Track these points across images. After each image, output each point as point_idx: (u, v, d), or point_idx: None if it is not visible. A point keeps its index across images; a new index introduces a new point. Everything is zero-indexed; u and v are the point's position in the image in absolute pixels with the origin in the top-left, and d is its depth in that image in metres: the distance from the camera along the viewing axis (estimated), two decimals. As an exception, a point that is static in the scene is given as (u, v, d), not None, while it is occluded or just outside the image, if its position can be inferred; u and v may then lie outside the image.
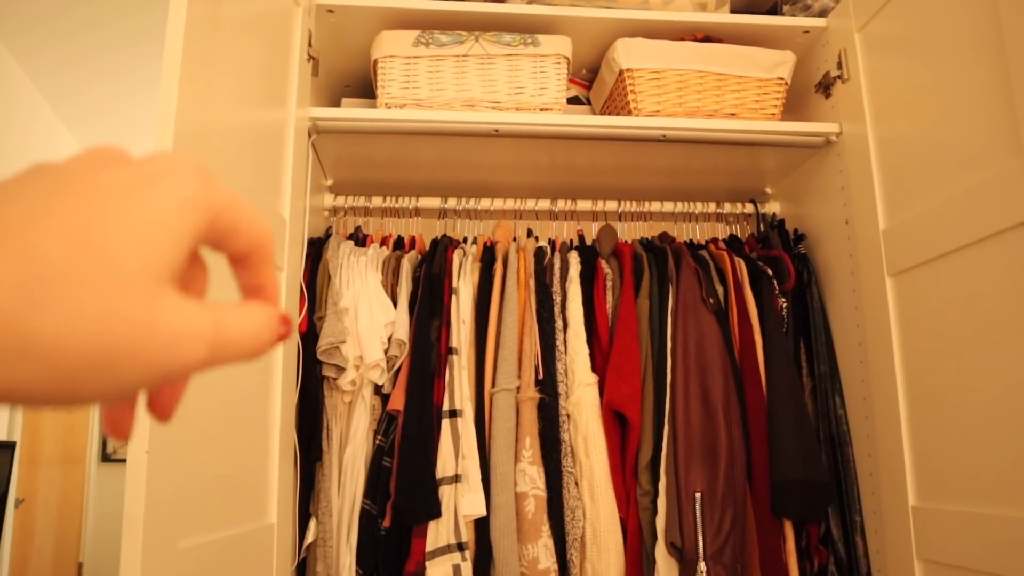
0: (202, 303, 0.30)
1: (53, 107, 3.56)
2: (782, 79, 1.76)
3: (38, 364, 0.25)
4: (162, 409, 0.35)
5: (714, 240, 1.92)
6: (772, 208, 2.07)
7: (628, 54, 1.70)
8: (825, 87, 1.76)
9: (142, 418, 0.89)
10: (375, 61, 1.68)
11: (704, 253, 1.78)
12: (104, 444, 4.66)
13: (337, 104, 1.91)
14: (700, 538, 1.46)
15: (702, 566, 1.44)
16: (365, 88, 1.92)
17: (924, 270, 1.40)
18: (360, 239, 1.83)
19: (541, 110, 1.69)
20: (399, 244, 1.86)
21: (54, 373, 0.25)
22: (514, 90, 1.68)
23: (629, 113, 1.71)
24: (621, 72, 1.72)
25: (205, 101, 1.09)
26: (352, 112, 1.67)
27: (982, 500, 1.25)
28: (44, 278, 0.25)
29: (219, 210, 0.31)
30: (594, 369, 1.61)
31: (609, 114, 1.82)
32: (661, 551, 1.49)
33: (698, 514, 1.47)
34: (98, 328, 0.26)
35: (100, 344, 0.26)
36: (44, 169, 0.29)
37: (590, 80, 1.99)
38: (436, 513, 1.48)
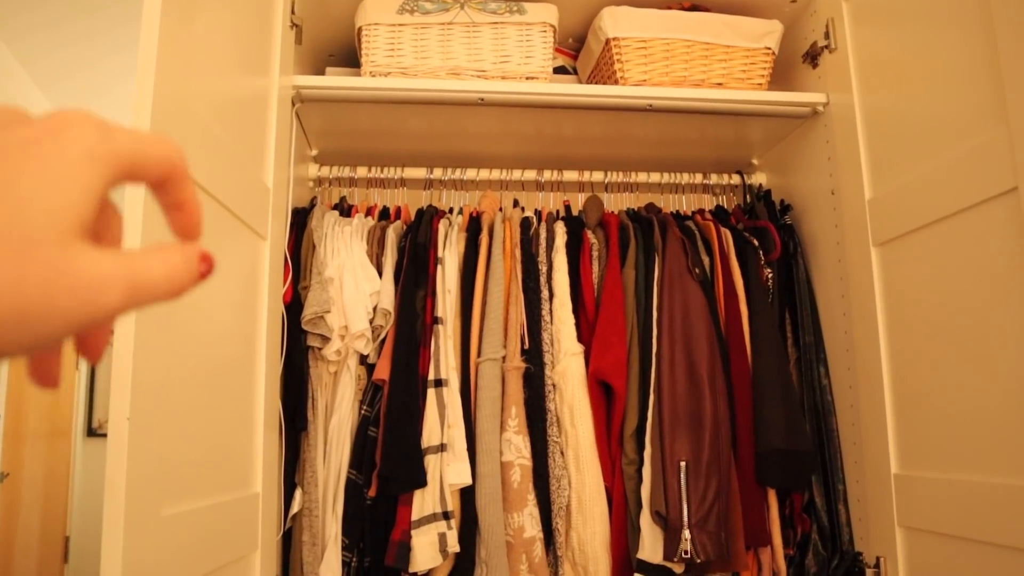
0: (114, 252, 0.30)
1: (25, 68, 3.52)
2: (769, 49, 1.75)
3: None
4: (92, 350, 0.36)
5: (700, 211, 1.92)
6: (759, 179, 2.06)
7: (615, 23, 1.68)
8: (812, 57, 1.75)
9: (122, 384, 0.87)
10: (359, 29, 1.66)
11: (690, 224, 1.78)
12: (90, 418, 4.64)
13: (321, 73, 1.88)
14: (685, 506, 1.47)
15: (686, 534, 1.45)
16: (350, 58, 1.90)
17: (909, 240, 1.40)
18: (345, 209, 1.82)
19: (527, 79, 1.67)
20: (384, 214, 1.84)
21: None
22: (500, 59, 1.67)
23: (616, 82, 1.70)
24: (608, 41, 1.70)
25: (185, 67, 1.07)
26: (336, 80, 1.65)
27: (962, 467, 1.27)
28: None
29: (123, 155, 0.32)
30: (580, 339, 1.62)
31: (596, 84, 1.81)
32: (646, 519, 1.50)
33: (683, 483, 1.48)
34: (9, 288, 0.27)
35: (13, 303, 0.27)
36: None
37: (577, 49, 1.97)
38: (422, 482, 1.48)
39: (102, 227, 0.34)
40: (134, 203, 0.94)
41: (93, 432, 4.63)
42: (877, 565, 1.49)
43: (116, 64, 3.46)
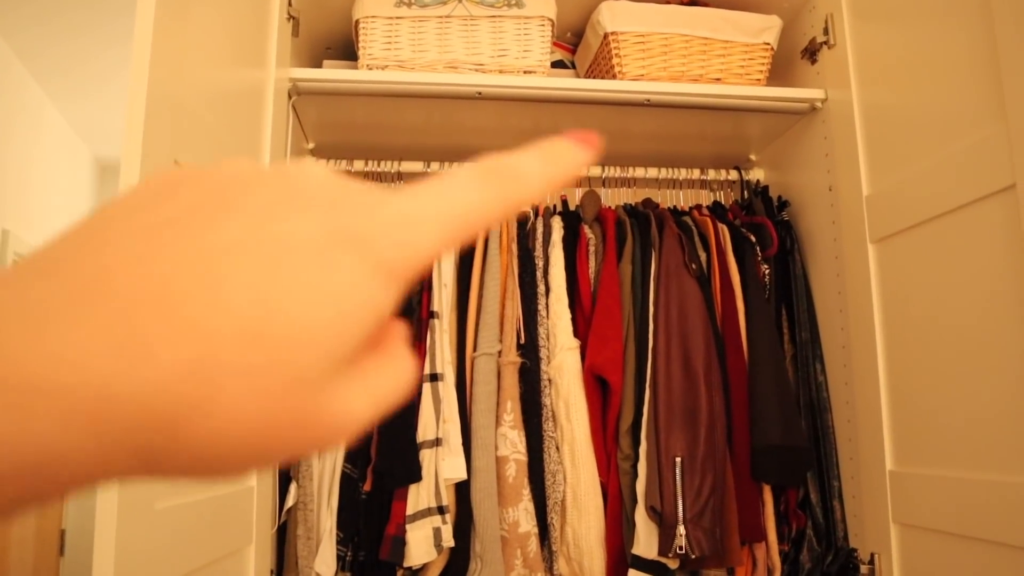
0: (363, 383, 0.25)
1: (23, 62, 3.51)
2: (768, 44, 1.74)
3: (182, 457, 0.22)
4: None
5: (698, 206, 1.91)
6: (756, 175, 2.06)
7: (613, 17, 1.68)
8: (811, 53, 1.75)
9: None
10: (356, 21, 1.65)
11: (687, 219, 1.78)
12: (86, 412, 4.64)
13: (318, 66, 1.88)
14: (680, 502, 1.47)
15: (681, 530, 1.45)
16: (347, 51, 1.89)
17: (906, 236, 1.40)
18: (341, 203, 1.81)
19: (525, 73, 1.67)
20: (381, 208, 1.84)
21: (197, 463, 0.22)
22: (497, 52, 1.66)
23: (614, 77, 1.70)
24: (606, 35, 1.70)
25: (180, 59, 1.07)
26: (333, 73, 1.64)
27: (958, 464, 1.27)
28: (214, 368, 0.21)
29: (426, 262, 0.25)
30: (576, 334, 1.61)
31: (594, 78, 1.80)
32: (641, 515, 1.50)
33: (678, 478, 1.48)
34: (255, 430, 0.22)
35: (252, 442, 0.22)
36: (196, 210, 0.23)
37: (575, 44, 1.97)
38: (417, 477, 1.48)
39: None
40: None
41: (89, 425, 4.63)
42: (872, 561, 1.49)
43: (114, 58, 3.46)
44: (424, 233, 0.25)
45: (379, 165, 1.92)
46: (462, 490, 1.53)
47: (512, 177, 0.28)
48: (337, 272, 0.23)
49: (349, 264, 0.23)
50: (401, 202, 0.25)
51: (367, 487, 1.51)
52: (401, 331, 0.28)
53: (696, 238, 1.72)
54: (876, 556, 1.48)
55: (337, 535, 1.50)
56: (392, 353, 0.27)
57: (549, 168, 0.29)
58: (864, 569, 1.51)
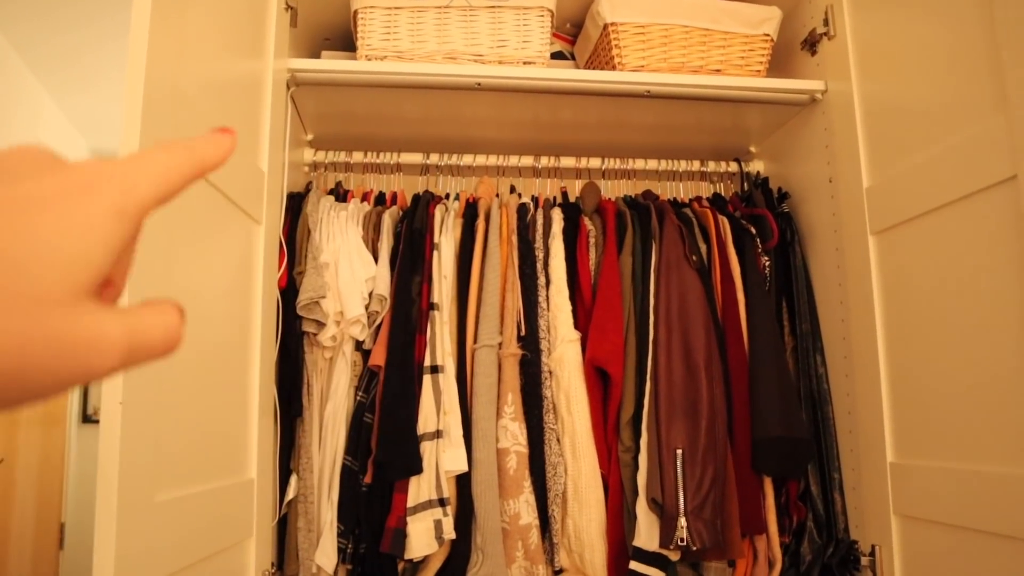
0: (116, 312, 0.30)
1: (21, 55, 3.50)
2: (768, 35, 1.73)
3: None
4: None
5: (698, 198, 1.91)
6: (756, 167, 2.06)
7: (612, 8, 1.67)
8: (811, 44, 1.74)
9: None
10: (355, 12, 1.64)
11: (687, 211, 1.77)
12: (84, 405, 4.63)
13: (317, 57, 1.87)
14: (681, 494, 1.46)
15: (682, 521, 1.45)
16: (346, 42, 1.88)
17: (907, 228, 1.40)
18: (341, 194, 1.81)
19: (524, 63, 1.66)
20: (380, 200, 1.83)
21: None
22: (497, 43, 1.65)
23: (613, 68, 1.69)
24: (606, 26, 1.69)
25: (178, 49, 1.06)
26: (331, 64, 1.64)
27: (958, 456, 1.26)
28: None
29: (148, 203, 0.32)
30: (577, 326, 1.61)
31: (593, 69, 1.80)
32: (642, 507, 1.50)
33: (679, 470, 1.48)
34: (10, 347, 0.26)
35: (9, 363, 0.26)
36: None
37: (574, 35, 1.96)
38: (417, 469, 1.48)
39: (113, 270, 0.33)
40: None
41: (88, 419, 4.62)
42: (872, 553, 1.49)
43: (112, 51, 3.44)
44: (142, 183, 0.31)
45: (378, 156, 1.92)
46: (463, 482, 1.53)
47: (188, 149, 0.34)
48: (75, 213, 0.28)
49: (84, 206, 0.29)
50: (120, 162, 0.31)
51: (368, 479, 1.51)
52: (130, 261, 0.35)
53: (696, 230, 1.72)
54: (877, 548, 1.48)
55: (338, 527, 1.49)
56: (158, 304, 0.32)
57: (210, 148, 0.35)
58: (865, 561, 1.51)
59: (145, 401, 0.95)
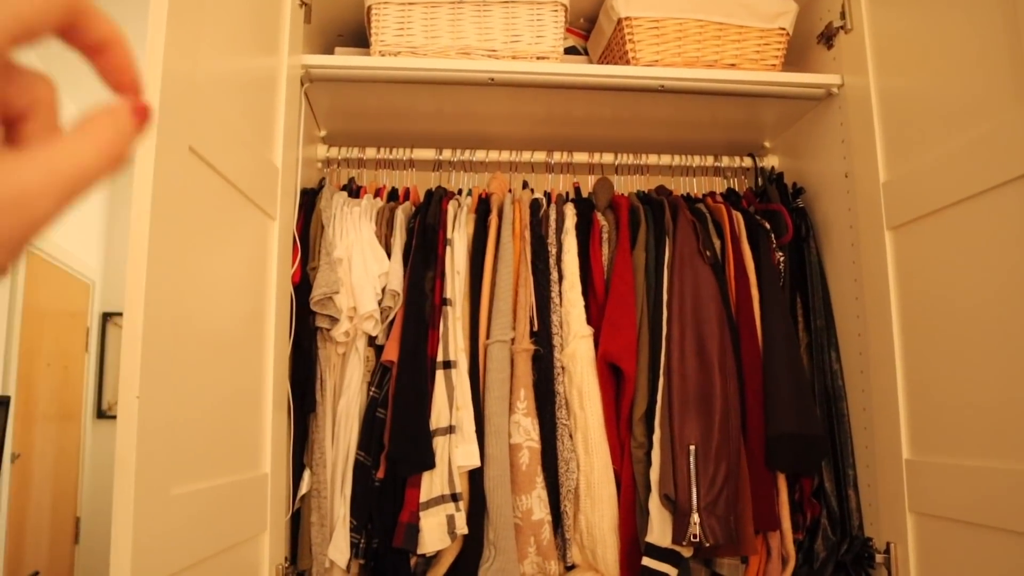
0: (35, 153, 0.28)
1: (35, 52, 3.53)
2: (783, 29, 1.72)
3: None
4: None
5: (711, 194, 1.90)
6: (771, 162, 2.04)
7: (627, 2, 1.67)
8: (827, 38, 1.73)
9: (131, 363, 0.87)
10: (368, 7, 1.64)
11: (701, 206, 1.76)
12: (99, 401, 4.66)
13: (330, 53, 1.87)
14: (694, 490, 1.46)
15: (695, 518, 1.44)
16: (359, 38, 1.88)
17: (924, 223, 1.38)
18: (354, 190, 1.81)
19: (538, 59, 1.66)
20: (393, 196, 1.83)
21: None
22: (510, 38, 1.65)
23: (627, 63, 1.68)
24: (620, 21, 1.68)
25: (194, 45, 1.06)
26: (345, 59, 1.64)
27: (975, 453, 1.25)
28: None
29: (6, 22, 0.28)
30: (589, 321, 1.61)
31: (607, 64, 1.79)
32: (655, 503, 1.50)
33: (692, 466, 1.47)
34: None
35: None
36: None
37: (588, 30, 1.95)
38: (430, 464, 1.48)
39: (26, 104, 0.31)
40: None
41: (103, 414, 4.65)
42: (887, 551, 1.48)
43: (132, 42, 3.47)
44: None
45: (391, 152, 1.92)
46: (475, 477, 1.53)
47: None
48: None
49: None
50: None
51: (380, 474, 1.51)
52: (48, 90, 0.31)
53: (710, 225, 1.71)
54: (892, 545, 1.47)
55: (351, 522, 1.50)
56: (95, 118, 0.30)
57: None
58: (879, 558, 1.51)
59: (161, 395, 0.95)
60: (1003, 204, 1.19)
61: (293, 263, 1.54)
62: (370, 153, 1.92)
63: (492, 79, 1.63)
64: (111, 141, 0.30)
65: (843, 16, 1.65)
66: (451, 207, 1.69)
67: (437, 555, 1.50)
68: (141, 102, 0.32)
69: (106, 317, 4.75)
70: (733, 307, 1.64)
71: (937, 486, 1.34)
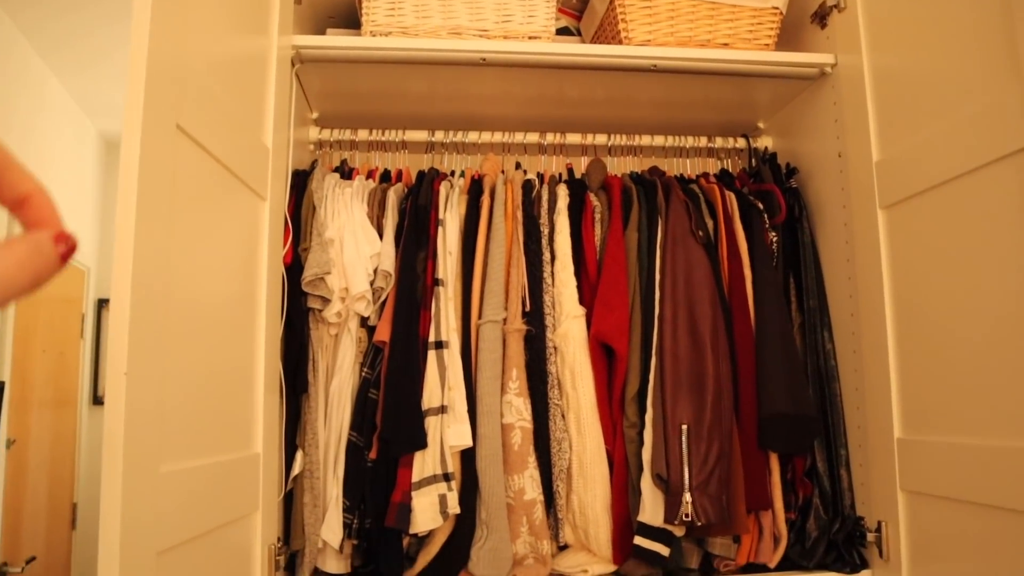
0: None
1: (27, 37, 3.50)
2: (777, 8, 1.72)
3: None
4: None
5: (705, 174, 1.90)
6: (764, 142, 2.04)
7: (619, -19, 1.66)
8: (821, 17, 1.72)
9: (119, 340, 0.87)
10: (359, -13, 1.63)
11: (694, 187, 1.76)
12: (95, 387, 4.66)
13: (321, 34, 1.86)
14: (686, 470, 1.46)
15: (687, 497, 1.45)
16: (350, 19, 1.87)
17: (917, 202, 1.38)
18: (346, 172, 1.80)
19: (529, 38, 1.65)
20: (385, 177, 1.83)
21: None
22: (502, 18, 1.64)
23: (620, 43, 1.67)
24: (612, 0, 1.67)
25: (181, 25, 1.06)
26: (336, 40, 1.63)
27: (966, 431, 1.26)
28: None
29: None
30: (582, 301, 1.60)
31: (599, 44, 1.78)
32: (647, 482, 1.50)
33: (684, 446, 1.47)
34: None
35: None
36: None
37: (580, 10, 1.94)
38: (422, 444, 1.48)
39: None
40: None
41: (98, 400, 4.66)
42: (879, 529, 1.49)
43: (118, 31, 3.45)
44: None
45: (383, 134, 1.91)
46: (467, 457, 1.53)
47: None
48: None
49: None
50: None
51: (373, 455, 1.51)
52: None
53: (703, 205, 1.71)
54: (883, 524, 1.48)
55: (343, 503, 1.50)
56: (15, 238, 0.32)
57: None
58: (871, 537, 1.51)
59: (150, 373, 0.95)
60: (995, 181, 1.19)
61: (285, 244, 1.53)
62: (362, 135, 1.91)
63: (484, 59, 1.62)
64: (30, 259, 0.32)
65: (836, -5, 1.64)
66: (443, 188, 1.68)
67: (429, 535, 1.50)
68: (64, 232, 0.34)
69: (101, 303, 4.74)
70: (726, 287, 1.64)
71: (928, 465, 1.35)
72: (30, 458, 3.82)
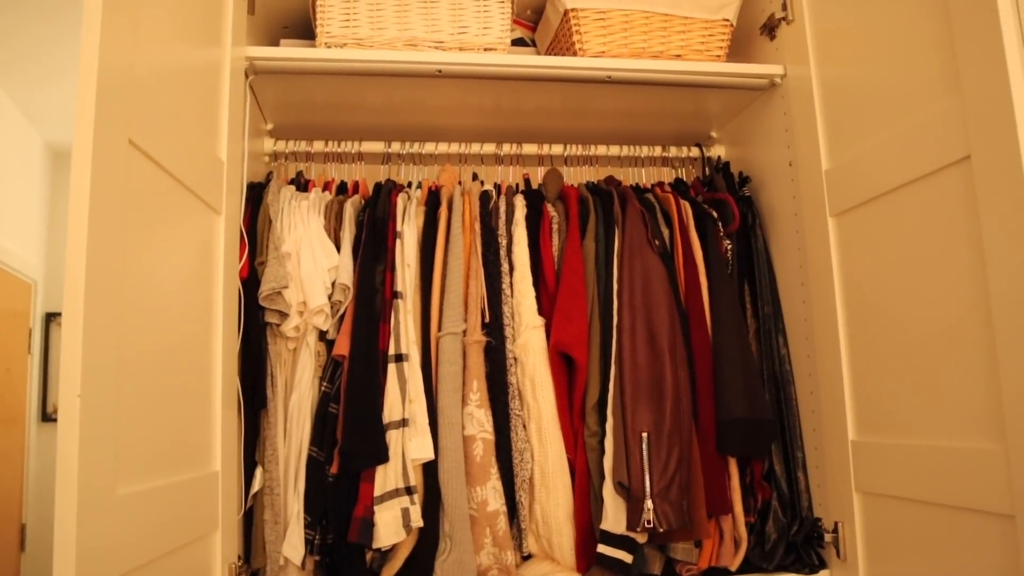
0: None
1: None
2: (727, 21, 1.75)
3: None
4: None
5: (660, 183, 1.92)
6: (717, 151, 2.07)
7: (573, -7, 1.67)
8: (770, 29, 1.75)
9: (72, 360, 0.85)
10: (313, -2, 1.62)
11: (650, 196, 1.78)
12: (44, 404, 4.55)
13: (276, 45, 1.84)
14: (647, 477, 1.47)
15: (649, 504, 1.46)
16: (305, 30, 1.86)
17: (866, 209, 1.42)
18: (302, 184, 1.79)
19: (485, 50, 1.66)
20: (342, 189, 1.82)
21: None
22: (457, 29, 1.64)
23: (574, 54, 1.69)
24: (566, 12, 1.69)
25: (132, 36, 1.04)
26: (290, 51, 1.61)
27: (917, 432, 1.29)
28: None
29: None
30: (541, 312, 1.61)
31: (554, 55, 1.80)
32: (609, 490, 1.51)
33: (645, 453, 1.49)
34: None
35: None
36: None
37: (535, 21, 1.95)
38: (384, 458, 1.47)
39: None
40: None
41: (48, 417, 4.54)
42: (835, 530, 1.52)
43: (71, 49, 3.39)
44: None
45: (339, 145, 1.90)
46: (430, 470, 1.52)
47: None
48: None
49: None
50: None
51: (334, 470, 1.50)
52: None
53: (659, 215, 1.73)
54: (840, 524, 1.50)
55: (305, 518, 1.48)
56: None
57: None
58: (828, 537, 1.54)
59: (104, 393, 0.93)
60: (940, 189, 1.22)
61: (240, 258, 1.52)
62: (318, 146, 1.90)
63: (440, 71, 1.62)
64: None
65: (785, 8, 1.67)
66: (400, 200, 1.68)
67: (392, 549, 1.49)
68: None
69: (49, 317, 4.63)
70: (682, 295, 1.66)
71: (881, 465, 1.38)
72: (-24, 478, 3.71)
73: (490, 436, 1.53)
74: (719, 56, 1.74)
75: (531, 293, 1.61)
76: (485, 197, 1.71)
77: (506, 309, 1.60)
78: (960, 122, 1.16)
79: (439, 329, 1.58)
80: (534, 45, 1.97)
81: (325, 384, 1.55)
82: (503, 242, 1.65)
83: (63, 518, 0.86)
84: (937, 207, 1.23)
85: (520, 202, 1.71)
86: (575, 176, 1.96)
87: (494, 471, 1.52)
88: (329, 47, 1.61)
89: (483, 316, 1.58)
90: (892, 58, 1.35)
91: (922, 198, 1.27)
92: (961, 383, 1.19)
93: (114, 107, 0.97)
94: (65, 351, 0.88)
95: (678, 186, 1.90)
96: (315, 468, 1.51)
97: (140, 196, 1.06)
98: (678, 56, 1.72)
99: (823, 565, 1.57)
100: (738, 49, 1.84)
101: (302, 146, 1.90)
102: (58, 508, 0.86)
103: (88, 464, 0.88)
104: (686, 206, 1.76)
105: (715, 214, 1.75)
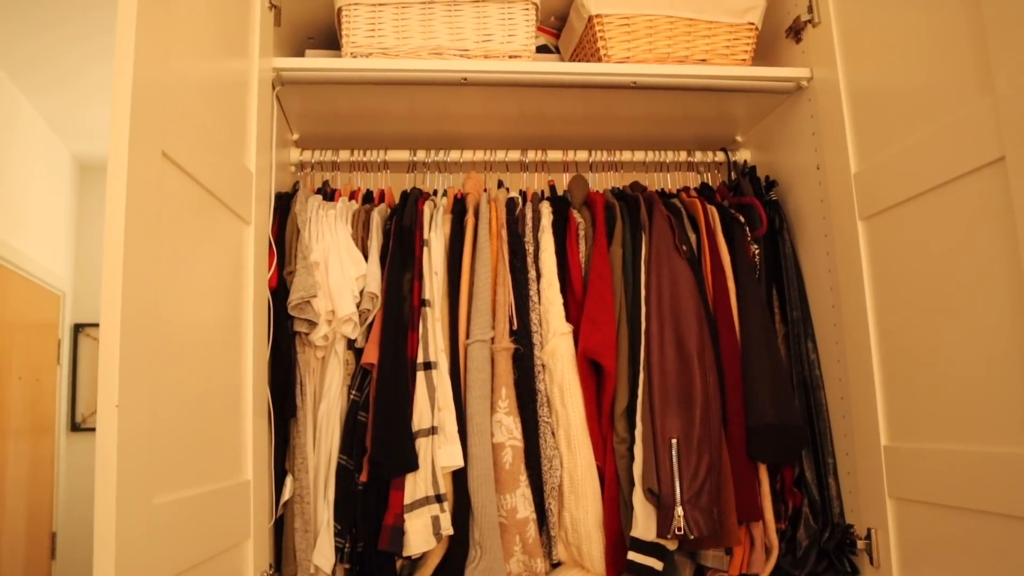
0: None
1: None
2: (752, 24, 1.74)
3: None
4: None
5: (686, 188, 1.91)
6: (743, 156, 2.06)
7: (597, 0, 1.67)
8: (796, 32, 1.74)
9: (110, 371, 0.86)
10: (339, 9, 1.63)
11: (676, 201, 1.77)
12: (73, 413, 4.59)
13: (301, 56, 1.86)
14: (677, 484, 1.47)
15: (679, 511, 1.45)
16: (330, 40, 1.87)
17: (895, 212, 1.40)
18: (328, 193, 1.80)
19: (510, 57, 1.66)
20: (368, 198, 1.83)
21: None
22: (482, 37, 1.65)
23: (599, 60, 1.69)
24: (590, 18, 1.69)
25: (164, 50, 1.05)
26: (316, 62, 1.63)
27: (952, 437, 1.27)
28: None
29: None
30: (568, 319, 1.61)
31: (579, 62, 1.80)
32: (638, 497, 1.50)
33: (674, 460, 1.48)
34: None
35: None
36: None
37: (559, 28, 1.96)
38: (413, 466, 1.47)
39: None
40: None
41: (77, 427, 4.59)
42: (868, 536, 1.50)
43: (87, 50, 3.42)
44: None
45: (365, 154, 1.91)
46: (459, 478, 1.52)
47: None
48: None
49: None
50: None
51: (363, 478, 1.50)
52: None
53: (685, 220, 1.72)
54: (873, 531, 1.49)
55: (335, 527, 1.49)
56: None
57: None
58: (861, 544, 1.52)
59: (140, 404, 0.94)
60: (973, 190, 1.21)
61: (270, 268, 1.53)
62: (344, 156, 1.91)
63: (465, 79, 1.63)
64: None
65: (811, 10, 1.66)
66: (427, 208, 1.69)
67: (423, 557, 1.50)
68: None
69: (77, 328, 4.68)
70: (710, 300, 1.65)
71: (915, 471, 1.36)
72: (7, 487, 3.76)
73: (519, 443, 1.53)
74: (744, 60, 1.74)
75: (559, 300, 1.61)
76: (511, 204, 1.71)
77: (534, 316, 1.60)
78: (993, 122, 1.15)
79: (467, 337, 1.58)
80: (558, 52, 1.97)
81: (354, 392, 1.56)
82: (530, 249, 1.65)
83: (102, 527, 0.86)
84: (970, 209, 1.22)
85: (546, 209, 1.71)
86: (600, 182, 1.96)
87: (523, 478, 1.52)
88: (355, 56, 1.62)
89: (511, 323, 1.58)
90: (921, 58, 1.33)
91: (955, 200, 1.25)
92: (997, 387, 1.17)
93: (148, 120, 0.98)
94: (103, 361, 0.89)
95: (704, 191, 1.89)
96: (345, 476, 1.51)
97: (173, 208, 1.07)
98: (703, 61, 1.71)
99: (856, 572, 1.55)
100: (763, 52, 1.83)
101: (328, 156, 1.91)
102: (97, 517, 0.87)
103: (126, 473, 0.89)
104: (713, 211, 1.76)
105: (742, 219, 1.74)
